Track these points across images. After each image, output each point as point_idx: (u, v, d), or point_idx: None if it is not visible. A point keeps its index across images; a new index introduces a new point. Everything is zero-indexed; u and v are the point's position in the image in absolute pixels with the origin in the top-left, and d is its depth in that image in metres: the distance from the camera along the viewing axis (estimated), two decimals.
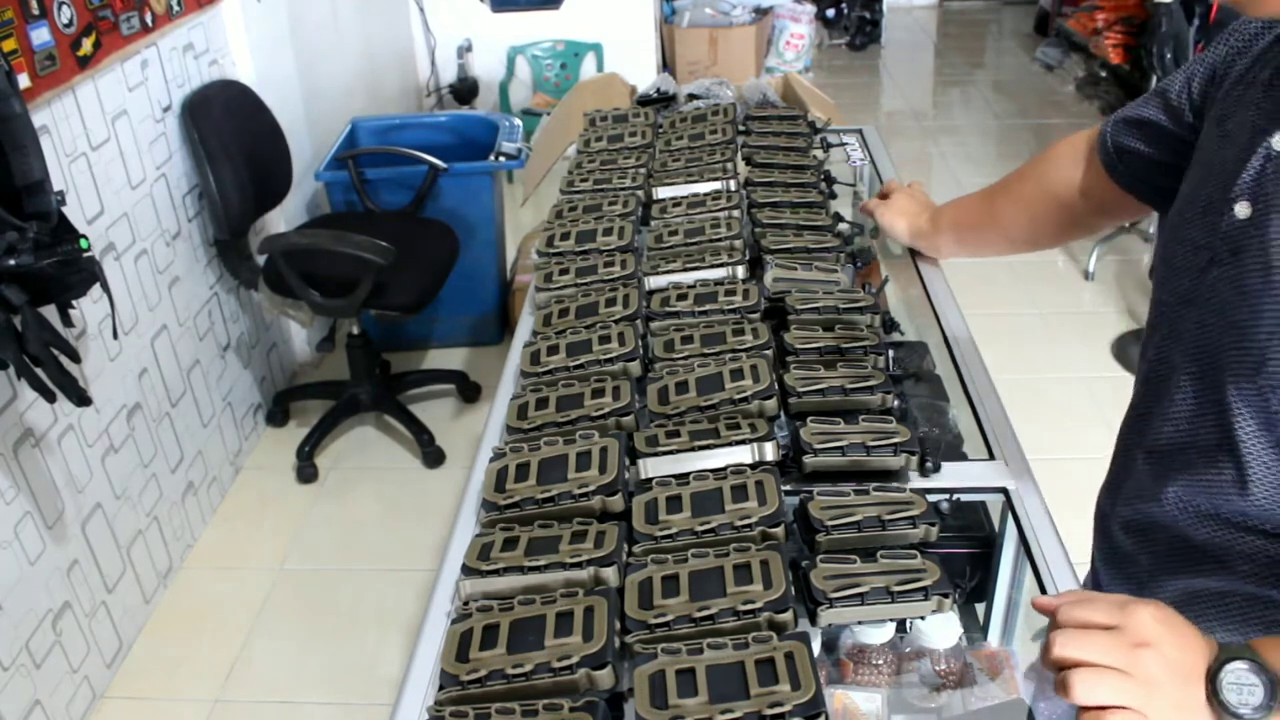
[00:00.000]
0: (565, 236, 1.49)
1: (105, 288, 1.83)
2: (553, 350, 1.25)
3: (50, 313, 1.78)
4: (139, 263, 2.47)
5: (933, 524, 0.97)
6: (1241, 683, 0.73)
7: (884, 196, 1.60)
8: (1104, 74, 5.52)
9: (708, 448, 1.06)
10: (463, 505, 1.09)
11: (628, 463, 1.06)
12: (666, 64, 5.45)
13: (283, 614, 2.53)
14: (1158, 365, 0.95)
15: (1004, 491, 1.09)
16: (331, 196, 3.31)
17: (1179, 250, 0.92)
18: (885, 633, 1.00)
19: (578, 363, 1.22)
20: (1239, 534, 0.89)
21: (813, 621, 0.91)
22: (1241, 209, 0.84)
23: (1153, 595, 0.84)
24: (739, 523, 0.96)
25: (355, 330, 2.94)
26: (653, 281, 1.38)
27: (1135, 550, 1.00)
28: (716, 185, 1.60)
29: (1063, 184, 1.23)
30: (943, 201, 1.53)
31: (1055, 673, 0.75)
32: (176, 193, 2.65)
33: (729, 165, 1.65)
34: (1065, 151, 1.23)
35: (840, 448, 1.05)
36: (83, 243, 1.74)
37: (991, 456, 1.14)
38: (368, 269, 2.61)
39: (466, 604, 0.92)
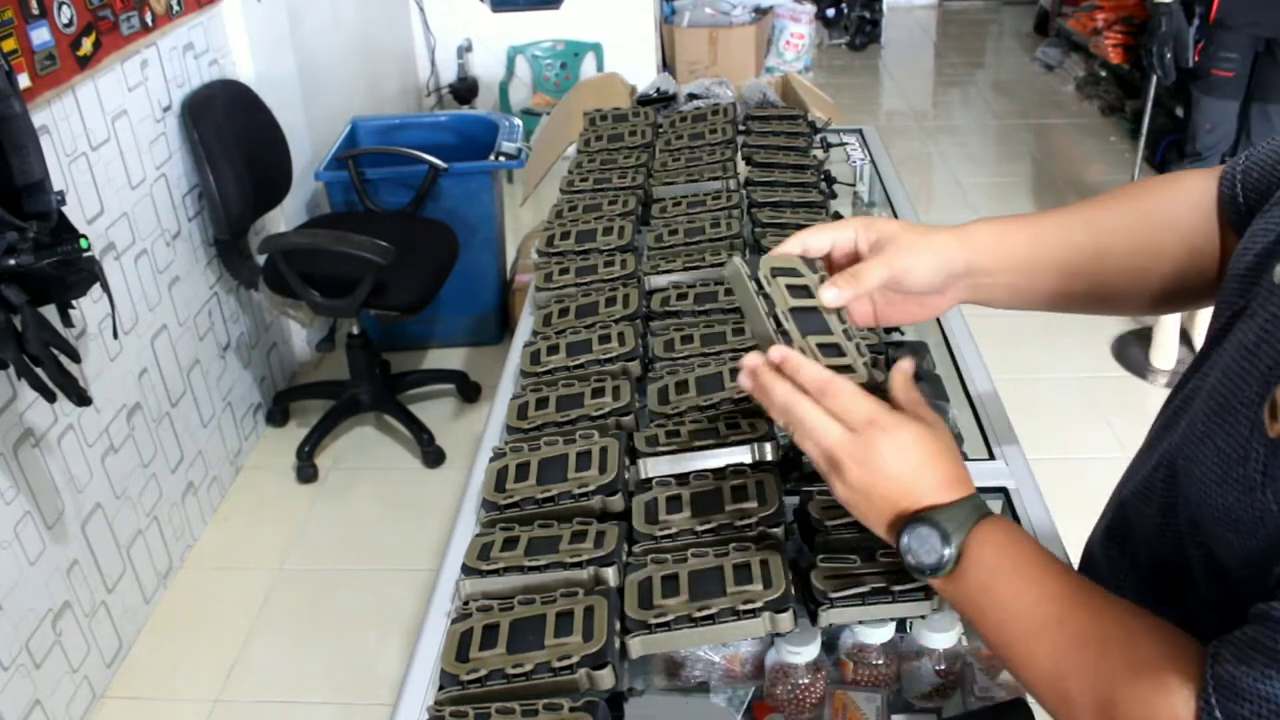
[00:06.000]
0: (565, 236, 1.49)
1: (105, 288, 1.83)
2: (553, 350, 1.25)
3: (50, 313, 1.78)
4: (139, 263, 2.47)
5: None
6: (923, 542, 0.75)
7: (851, 255, 1.00)
8: (1104, 74, 5.52)
9: (708, 448, 1.06)
10: (463, 505, 1.09)
11: (628, 463, 1.06)
12: (666, 64, 5.45)
13: (283, 614, 2.52)
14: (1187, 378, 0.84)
15: (1004, 491, 1.09)
16: (331, 196, 3.31)
17: (1225, 289, 0.80)
18: (885, 633, 1.00)
19: (578, 363, 1.22)
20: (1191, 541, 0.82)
21: (813, 621, 0.91)
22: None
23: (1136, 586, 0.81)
24: (739, 523, 0.96)
25: (355, 330, 2.94)
26: (653, 281, 1.38)
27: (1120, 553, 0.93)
28: (716, 185, 1.60)
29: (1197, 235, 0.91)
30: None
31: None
32: (176, 193, 2.65)
33: (729, 165, 1.65)
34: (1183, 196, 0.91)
35: None
36: (83, 243, 1.74)
37: (991, 456, 1.14)
38: (368, 269, 2.61)
39: (466, 604, 0.92)
